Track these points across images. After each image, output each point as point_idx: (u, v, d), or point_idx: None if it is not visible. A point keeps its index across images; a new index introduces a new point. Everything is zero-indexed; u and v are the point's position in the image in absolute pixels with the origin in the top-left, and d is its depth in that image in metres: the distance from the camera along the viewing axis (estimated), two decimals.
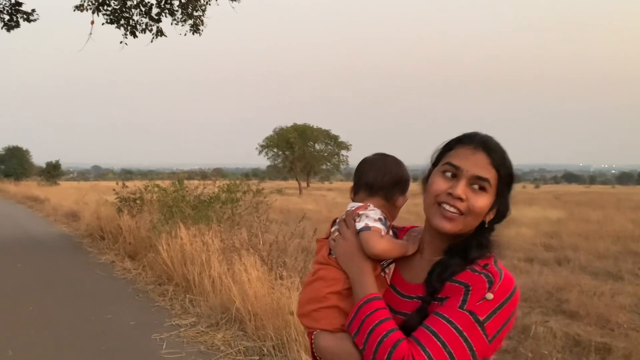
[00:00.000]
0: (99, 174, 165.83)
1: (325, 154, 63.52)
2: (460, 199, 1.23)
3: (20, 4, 10.62)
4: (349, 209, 1.42)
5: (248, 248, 6.91)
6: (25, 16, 10.75)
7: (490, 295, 1.17)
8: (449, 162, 1.27)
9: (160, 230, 8.34)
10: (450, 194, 1.23)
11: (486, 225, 1.30)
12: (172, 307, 6.24)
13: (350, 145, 65.97)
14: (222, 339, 4.98)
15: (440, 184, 1.26)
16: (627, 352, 5.34)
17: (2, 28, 10.76)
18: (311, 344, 1.37)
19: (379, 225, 1.34)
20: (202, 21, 10.56)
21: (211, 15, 10.65)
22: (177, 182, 10.19)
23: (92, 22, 9.52)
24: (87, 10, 9.79)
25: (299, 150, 59.08)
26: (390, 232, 1.42)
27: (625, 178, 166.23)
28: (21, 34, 11.40)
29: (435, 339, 1.15)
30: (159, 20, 10.53)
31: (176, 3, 10.39)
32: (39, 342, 5.08)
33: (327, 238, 1.45)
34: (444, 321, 1.17)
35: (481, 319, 1.16)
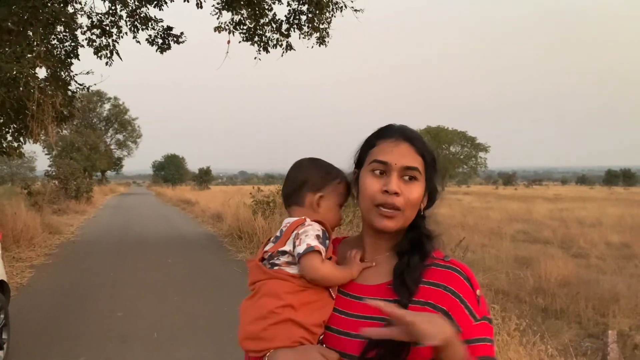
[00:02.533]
0: (245, 178, 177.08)
1: (462, 157, 61.64)
2: (397, 194, 1.20)
3: (171, 29, 11.94)
4: (284, 224, 1.31)
5: None
6: (175, 39, 12.07)
7: (478, 292, 1.20)
8: (376, 159, 1.23)
9: None
10: (385, 192, 1.20)
11: (422, 213, 1.28)
12: None
13: (489, 146, 63.24)
14: None
15: (373, 184, 1.22)
16: None
17: (156, 51, 12.18)
18: None
19: (317, 243, 1.23)
20: (327, 33, 11.05)
21: (336, 27, 11.10)
22: None
23: (229, 42, 10.48)
24: (225, 30, 10.78)
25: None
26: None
27: None
28: (170, 55, 12.76)
29: None
30: (288, 35, 11.23)
31: (303, 18, 11.00)
32: (179, 328, 5.79)
33: (258, 260, 1.30)
34: (485, 344, 1.16)
35: (490, 317, 1.21)
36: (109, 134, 65.81)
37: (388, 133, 1.27)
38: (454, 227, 15.60)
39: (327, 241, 1.27)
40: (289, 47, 11.35)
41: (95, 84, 10.72)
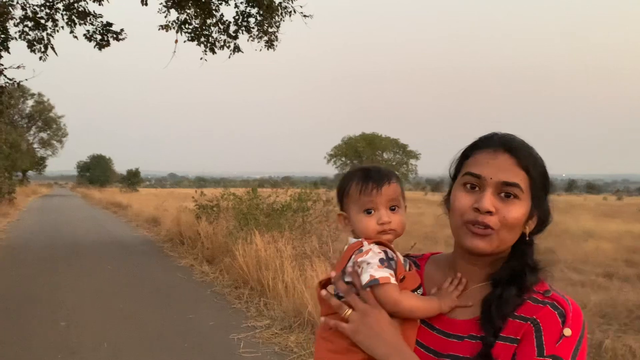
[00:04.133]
0: (174, 181, 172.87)
1: (394, 163, 63.27)
2: (490, 213, 1.05)
3: (110, 25, 11.48)
4: (345, 247, 1.22)
5: (319, 255, 7.16)
6: (114, 35, 11.61)
7: (568, 331, 1.00)
8: (469, 171, 1.10)
9: (236, 237, 8.78)
10: (477, 209, 1.06)
11: (527, 238, 1.11)
12: (248, 310, 6.58)
13: (419, 154, 65.27)
14: (295, 341, 5.24)
15: (463, 199, 1.09)
16: None
17: (94, 47, 11.66)
18: None
19: (385, 272, 1.11)
20: (276, 37, 11.02)
21: (285, 32, 11.08)
22: (251, 191, 10.64)
23: (176, 41, 10.22)
24: (172, 29, 10.50)
25: (367, 159, 59.16)
26: (407, 266, 1.21)
27: None
28: (108, 53, 12.28)
29: None
30: (236, 37, 11.10)
31: (252, 20, 10.91)
32: (130, 338, 5.53)
33: (323, 283, 1.22)
34: None
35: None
36: (32, 132, 62.07)
37: (487, 142, 1.11)
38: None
39: (393, 261, 1.15)
40: (237, 49, 11.22)
41: (26, 79, 10.15)
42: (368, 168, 1.24)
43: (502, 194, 1.06)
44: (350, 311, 1.11)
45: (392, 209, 1.20)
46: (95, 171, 69.96)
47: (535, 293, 1.07)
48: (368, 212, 1.19)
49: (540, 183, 1.09)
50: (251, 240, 8.07)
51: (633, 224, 20.43)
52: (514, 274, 1.08)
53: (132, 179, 59.96)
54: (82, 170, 73.36)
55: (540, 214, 1.11)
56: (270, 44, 11.07)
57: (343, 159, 61.63)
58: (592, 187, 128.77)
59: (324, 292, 1.17)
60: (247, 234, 8.57)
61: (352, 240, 1.21)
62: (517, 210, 1.06)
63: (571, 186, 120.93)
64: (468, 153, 1.14)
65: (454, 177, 1.17)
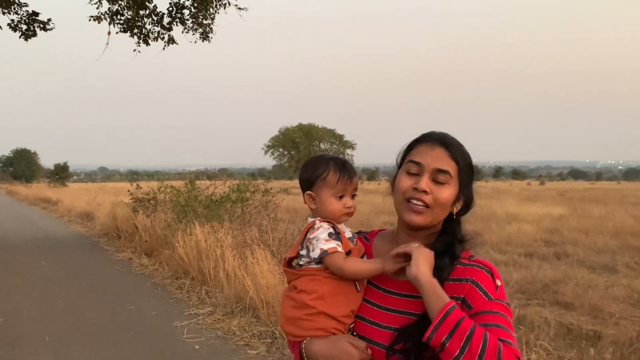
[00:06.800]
0: (105, 175, 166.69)
1: (331, 153, 64.07)
2: (425, 192, 1.30)
3: (37, 14, 11.08)
4: (304, 226, 1.48)
5: (259, 244, 7.37)
6: (41, 25, 11.21)
7: (498, 282, 1.31)
8: (411, 159, 1.35)
9: (175, 229, 8.82)
10: (415, 189, 1.31)
11: (454, 216, 1.38)
12: (190, 299, 6.71)
13: (355, 144, 66.33)
14: (237, 325, 5.45)
15: (405, 181, 1.34)
16: (616, 339, 5.60)
17: (20, 37, 11.22)
18: (299, 353, 1.39)
19: (332, 243, 1.37)
20: (211, 29, 11.03)
21: (220, 24, 11.10)
22: (189, 183, 10.64)
23: (109, 33, 10.00)
24: (104, 19, 10.27)
25: (305, 150, 59.54)
26: (349, 236, 1.46)
27: (632, 174, 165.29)
28: (36, 43, 11.83)
29: (508, 332, 1.22)
30: (170, 29, 11.02)
31: (187, 12, 10.87)
32: (71, 330, 5.56)
33: (290, 258, 1.47)
34: (497, 315, 1.25)
35: (507, 301, 1.31)
36: None
37: (426, 137, 1.38)
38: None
39: (339, 235, 1.40)
40: (172, 40, 11.13)
41: None
42: (342, 160, 1.48)
43: (437, 179, 1.32)
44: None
45: (353, 196, 1.47)
46: (20, 166, 66.45)
47: (462, 259, 1.35)
48: (340, 197, 1.44)
49: (466, 172, 1.36)
50: (191, 231, 8.15)
51: (552, 207, 21.82)
52: (447, 246, 1.35)
53: (61, 174, 57.57)
54: (4, 165, 69.47)
55: (466, 198, 1.39)
56: (205, 36, 11.07)
57: (280, 149, 61.72)
58: (517, 174, 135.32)
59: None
60: (186, 225, 8.63)
61: (310, 219, 1.46)
62: (447, 192, 1.33)
63: (498, 172, 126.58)
64: (412, 145, 1.41)
65: (400, 165, 1.43)
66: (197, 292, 6.89)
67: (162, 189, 11.26)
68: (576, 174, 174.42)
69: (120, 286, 7.64)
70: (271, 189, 10.97)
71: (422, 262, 1.25)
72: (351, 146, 65.12)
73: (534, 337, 5.10)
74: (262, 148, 62.97)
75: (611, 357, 4.53)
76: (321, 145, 63.02)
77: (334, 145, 64.53)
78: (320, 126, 62.98)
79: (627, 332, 5.70)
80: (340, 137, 64.61)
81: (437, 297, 1.22)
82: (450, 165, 1.32)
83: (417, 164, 1.34)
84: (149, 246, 9.81)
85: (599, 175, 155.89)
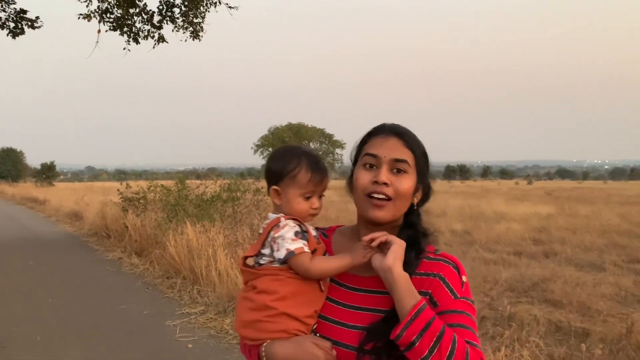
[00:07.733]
0: (92, 174, 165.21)
1: (320, 153, 64.16)
2: (386, 184, 1.27)
3: (25, 12, 10.97)
4: (264, 223, 1.38)
5: (251, 242, 7.37)
6: (29, 23, 11.10)
7: (464, 278, 1.30)
8: (367, 152, 1.32)
9: (165, 228, 8.79)
10: (375, 182, 1.27)
11: (415, 207, 1.35)
12: (181, 298, 6.70)
13: (345, 143, 66.48)
14: (230, 324, 5.46)
15: (364, 176, 1.30)
16: (604, 336, 5.66)
17: (7, 35, 11.09)
18: (257, 357, 1.30)
19: (299, 243, 1.29)
20: (201, 27, 10.99)
21: (210, 22, 11.08)
22: (179, 182, 10.61)
23: (99, 31, 9.93)
24: (94, 17, 10.19)
25: None
26: (314, 234, 1.38)
27: (618, 173, 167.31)
28: (24, 41, 11.70)
29: (473, 333, 1.22)
30: (160, 27, 10.96)
31: (177, 11, 10.82)
32: (62, 329, 5.53)
33: (246, 257, 1.39)
34: (462, 315, 1.24)
35: (471, 299, 1.30)
36: None
37: (380, 130, 1.35)
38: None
39: (306, 233, 1.33)
40: (162, 39, 11.08)
41: None
42: (314, 157, 1.38)
43: (395, 170, 1.29)
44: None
45: (320, 196, 1.39)
46: (5, 165, 65.59)
47: (428, 253, 1.33)
48: (307, 197, 1.36)
49: (422, 160, 1.34)
50: (182, 231, 8.14)
51: (540, 206, 22.00)
52: (411, 239, 1.31)
53: (47, 173, 56.95)
54: None
55: (425, 187, 1.37)
56: (195, 35, 11.04)
57: (270, 149, 61.65)
58: (505, 173, 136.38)
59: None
60: (177, 225, 8.61)
61: (272, 216, 1.36)
62: (407, 182, 1.29)
63: (486, 172, 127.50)
64: (366, 139, 1.37)
65: (354, 162, 1.39)
66: (189, 292, 6.87)
67: (152, 188, 11.22)
68: (563, 173, 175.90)
69: (110, 286, 7.60)
70: (262, 188, 10.97)
71: (399, 253, 1.23)
72: (340, 145, 65.25)
73: (525, 334, 5.16)
74: (252, 147, 62.99)
75: (601, 353, 4.59)
76: (311, 144, 63.09)
77: (324, 145, 64.64)
78: (309, 125, 63.08)
79: (615, 329, 5.76)
80: (330, 136, 64.72)
81: (409, 293, 1.20)
82: (407, 155, 1.30)
83: (374, 156, 1.30)
84: (139, 245, 9.77)
85: (585, 174, 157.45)
